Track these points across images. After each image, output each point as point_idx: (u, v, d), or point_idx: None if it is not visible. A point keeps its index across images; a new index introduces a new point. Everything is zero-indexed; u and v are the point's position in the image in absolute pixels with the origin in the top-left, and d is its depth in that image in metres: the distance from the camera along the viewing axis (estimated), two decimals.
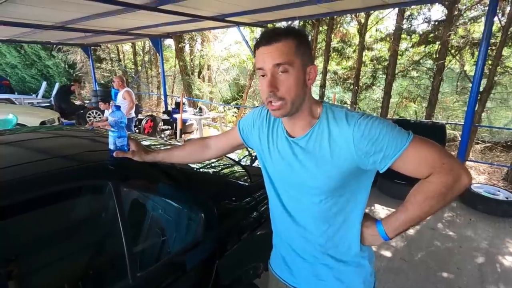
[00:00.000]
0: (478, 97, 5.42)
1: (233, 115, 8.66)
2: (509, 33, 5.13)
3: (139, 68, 12.18)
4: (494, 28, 5.41)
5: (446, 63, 5.96)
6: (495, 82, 5.77)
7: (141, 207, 1.43)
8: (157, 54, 9.24)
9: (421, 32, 6.42)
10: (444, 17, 5.76)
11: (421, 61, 6.76)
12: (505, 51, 5.65)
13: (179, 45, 8.53)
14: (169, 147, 1.38)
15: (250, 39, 9.98)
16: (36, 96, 11.19)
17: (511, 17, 4.97)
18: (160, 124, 7.00)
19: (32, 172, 0.93)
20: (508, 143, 6.61)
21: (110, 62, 13.06)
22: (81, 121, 7.88)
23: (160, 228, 1.40)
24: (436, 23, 6.10)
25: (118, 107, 1.14)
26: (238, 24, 5.13)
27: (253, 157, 2.25)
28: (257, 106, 7.12)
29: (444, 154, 0.77)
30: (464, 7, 5.70)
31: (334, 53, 7.38)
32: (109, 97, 7.30)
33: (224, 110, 8.47)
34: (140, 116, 7.41)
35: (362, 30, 6.42)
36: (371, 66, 7.35)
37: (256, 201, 1.58)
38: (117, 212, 1.00)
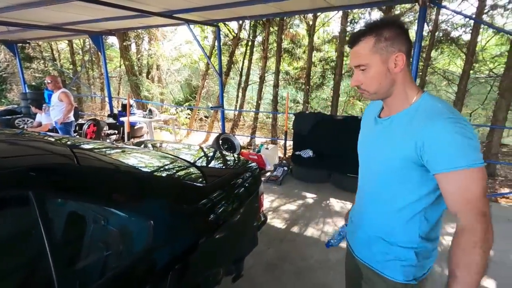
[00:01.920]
0: None
1: (186, 117, 8.32)
2: (435, 37, 5.77)
3: (79, 68, 11.08)
4: (424, 32, 6.03)
5: None
6: (427, 81, 6.45)
7: (78, 220, 1.23)
8: (99, 53, 8.48)
9: None
10: None
11: None
12: (433, 53, 6.34)
13: (124, 44, 7.93)
14: None
15: (201, 38, 9.71)
16: None
17: (437, 23, 5.60)
18: (105, 129, 6.44)
19: None
20: None
21: (42, 61, 11.64)
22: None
23: (103, 242, 1.22)
24: None
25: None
26: (188, 21, 4.93)
27: (209, 158, 2.14)
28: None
29: (482, 197, 0.78)
30: (398, 13, 6.27)
31: (285, 54, 7.55)
32: (42, 100, 6.49)
33: (177, 112, 8.09)
34: (81, 121, 6.74)
35: (311, 31, 6.68)
36: (321, 67, 7.69)
37: (212, 202, 1.48)
38: (42, 228, 0.83)
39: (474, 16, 5.15)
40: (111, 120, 6.84)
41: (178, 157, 1.82)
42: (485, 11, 5.37)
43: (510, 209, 3.53)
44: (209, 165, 1.91)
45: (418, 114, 0.86)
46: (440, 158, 0.79)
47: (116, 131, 6.51)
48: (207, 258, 1.41)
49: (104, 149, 1.70)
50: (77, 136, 6.14)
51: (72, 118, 4.91)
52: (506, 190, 4.52)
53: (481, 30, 5.66)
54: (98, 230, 1.22)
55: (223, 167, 1.96)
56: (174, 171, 1.61)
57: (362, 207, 1.08)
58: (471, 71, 5.91)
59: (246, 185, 1.76)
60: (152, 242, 1.13)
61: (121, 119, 6.47)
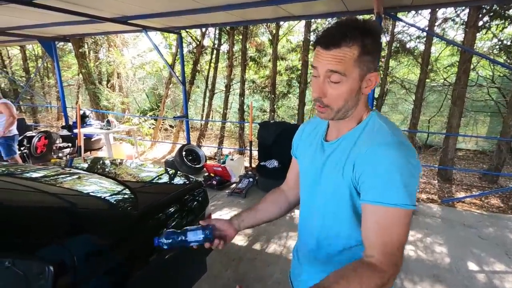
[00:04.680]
0: (375, 103, 6.18)
1: (150, 127, 7.94)
2: (392, 47, 6.01)
3: (32, 76, 10.29)
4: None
5: None
6: (387, 89, 6.68)
7: None
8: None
9: None
10: None
11: None
12: (392, 63, 6.60)
13: (80, 50, 7.46)
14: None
15: (168, 45, 9.35)
16: None
17: (393, 33, 5.84)
18: (57, 142, 5.94)
19: None
20: None
21: None
22: None
23: None
24: None
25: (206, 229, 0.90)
26: (145, 28, 4.71)
27: (150, 178, 1.94)
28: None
29: (401, 247, 0.68)
30: None
31: (251, 62, 7.50)
32: None
33: (140, 122, 7.70)
34: (32, 133, 6.16)
35: (274, 40, 6.69)
36: (286, 76, 7.72)
37: (142, 232, 1.29)
38: None
39: (427, 28, 5.43)
40: (65, 132, 6.34)
41: (110, 177, 1.61)
42: (437, 24, 5.70)
43: (466, 214, 3.64)
44: (147, 187, 1.72)
45: (363, 134, 0.76)
46: (372, 186, 0.69)
47: (70, 144, 6.03)
48: None
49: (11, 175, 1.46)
50: (26, 152, 5.59)
51: (15, 132, 4.46)
52: (462, 194, 4.72)
53: (434, 41, 5.98)
54: None
55: (163, 188, 1.77)
56: (93, 195, 1.40)
57: (312, 246, 0.90)
58: (428, 80, 6.21)
59: (188, 208, 1.59)
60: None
61: (75, 130, 6.01)
